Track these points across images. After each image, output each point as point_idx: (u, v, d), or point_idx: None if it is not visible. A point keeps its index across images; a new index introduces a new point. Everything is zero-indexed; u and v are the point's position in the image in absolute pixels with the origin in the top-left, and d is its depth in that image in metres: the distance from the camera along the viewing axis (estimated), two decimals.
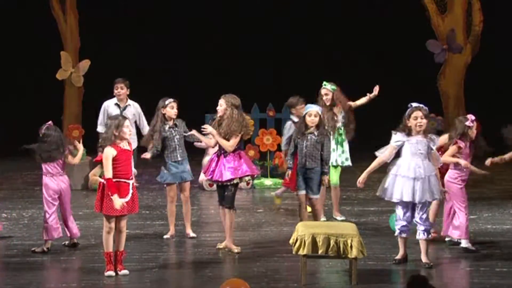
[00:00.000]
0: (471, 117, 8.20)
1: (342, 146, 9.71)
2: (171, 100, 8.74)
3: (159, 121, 8.72)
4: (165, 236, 8.87)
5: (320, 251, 7.06)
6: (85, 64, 13.46)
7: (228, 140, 8.09)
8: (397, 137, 7.69)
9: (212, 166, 8.22)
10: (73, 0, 13.72)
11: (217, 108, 8.18)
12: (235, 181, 8.12)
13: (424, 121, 7.62)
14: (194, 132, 8.52)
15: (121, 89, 10.42)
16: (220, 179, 8.12)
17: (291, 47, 15.15)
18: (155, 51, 15.30)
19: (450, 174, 8.25)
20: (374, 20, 14.98)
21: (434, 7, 12.82)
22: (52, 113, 13.15)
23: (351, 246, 7.04)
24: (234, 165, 8.09)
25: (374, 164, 7.78)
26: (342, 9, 15.08)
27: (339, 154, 9.69)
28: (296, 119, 9.40)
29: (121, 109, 10.36)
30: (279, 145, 12.54)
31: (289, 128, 9.60)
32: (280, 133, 12.60)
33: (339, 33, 15.13)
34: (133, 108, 10.46)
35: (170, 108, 8.73)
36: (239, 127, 8.07)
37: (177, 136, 8.78)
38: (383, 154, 7.71)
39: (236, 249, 8.21)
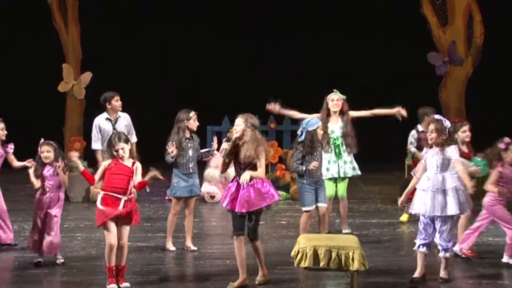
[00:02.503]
0: (506, 140, 8.11)
1: (341, 157, 9.50)
2: (194, 112, 8.79)
3: (181, 133, 8.72)
4: (170, 248, 8.85)
5: (321, 264, 7.02)
6: (87, 76, 13.47)
7: (249, 164, 7.33)
8: (423, 152, 7.67)
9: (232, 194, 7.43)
10: (75, 12, 13.74)
11: (233, 128, 7.60)
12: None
13: (434, 134, 7.50)
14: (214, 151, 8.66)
15: (120, 101, 10.43)
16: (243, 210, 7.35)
17: (292, 64, 15.16)
18: (156, 65, 15.31)
19: (489, 198, 8.22)
20: (375, 32, 15.00)
21: (435, 19, 12.83)
22: (54, 125, 13.23)
23: (352, 259, 7.01)
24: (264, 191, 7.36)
25: (411, 184, 7.71)
26: (342, 21, 15.08)
27: (341, 166, 9.50)
28: (421, 129, 9.62)
29: (112, 123, 10.35)
30: (280, 157, 12.56)
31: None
32: (281, 145, 12.63)
33: (338, 46, 15.14)
34: (124, 120, 10.46)
35: (193, 121, 8.78)
36: (264, 150, 7.37)
37: (192, 149, 8.79)
38: (418, 173, 7.66)
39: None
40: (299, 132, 8.53)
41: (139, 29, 15.30)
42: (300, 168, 8.36)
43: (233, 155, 7.39)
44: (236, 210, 7.29)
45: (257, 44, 15.27)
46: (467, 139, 8.76)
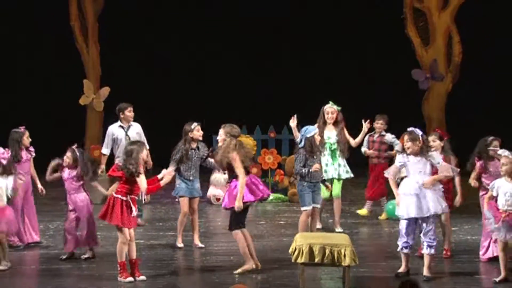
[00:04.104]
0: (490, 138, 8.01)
1: (336, 159, 9.56)
2: (196, 123, 8.77)
3: (187, 144, 8.72)
4: (179, 245, 8.82)
5: (316, 260, 7.00)
6: (105, 91, 13.50)
7: (228, 169, 7.61)
8: (399, 158, 7.61)
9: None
10: (95, 33, 13.76)
11: (217, 138, 7.85)
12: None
13: (409, 143, 7.45)
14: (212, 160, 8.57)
15: (132, 112, 10.43)
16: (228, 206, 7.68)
17: (291, 79, 15.16)
18: (166, 80, 15.32)
19: (480, 192, 8.08)
20: (365, 50, 15.00)
21: (418, 40, 12.85)
22: (75, 134, 13.21)
23: (344, 255, 6.99)
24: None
25: (392, 184, 7.62)
26: (335, 39, 15.08)
27: (336, 168, 9.54)
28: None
29: (125, 129, 10.34)
30: (279, 163, 12.53)
31: None
32: (280, 152, 12.62)
33: (330, 62, 15.14)
34: (136, 127, 10.46)
35: (197, 131, 8.76)
36: (242, 156, 7.53)
37: (195, 158, 8.77)
38: (389, 174, 7.60)
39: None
40: (298, 140, 8.55)
41: (150, 50, 15.32)
42: (304, 170, 8.33)
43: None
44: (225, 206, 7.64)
45: (258, 58, 15.26)
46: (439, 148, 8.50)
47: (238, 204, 7.55)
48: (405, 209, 7.45)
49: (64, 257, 8.27)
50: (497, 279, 7.34)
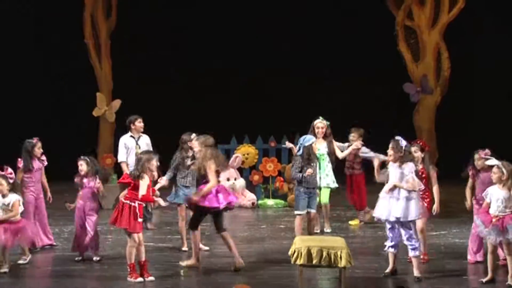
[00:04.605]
0: (482, 151, 7.92)
1: (324, 170, 9.66)
2: (195, 134, 8.76)
3: (184, 152, 8.76)
4: (183, 249, 8.86)
5: (314, 261, 7.02)
6: (117, 103, 13.54)
7: (204, 175, 7.76)
8: (389, 166, 7.62)
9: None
10: (107, 49, 13.84)
11: (194, 149, 8.04)
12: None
13: (391, 152, 7.46)
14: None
15: (142, 123, 10.49)
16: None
17: (291, 95, 15.22)
18: (173, 92, 15.37)
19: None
20: (362, 66, 15.04)
21: (409, 56, 12.89)
22: (89, 143, 13.28)
23: (340, 257, 7.01)
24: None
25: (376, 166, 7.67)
26: (330, 52, 15.14)
27: (324, 177, 9.61)
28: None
29: (136, 139, 10.40)
30: (279, 171, 12.57)
31: None
32: (280, 161, 12.65)
33: (328, 78, 15.20)
34: (146, 139, 10.52)
35: (195, 141, 8.80)
36: (214, 163, 7.69)
37: (192, 167, 8.79)
38: (366, 154, 7.65)
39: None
40: (297, 148, 8.63)
41: (158, 65, 15.40)
42: (298, 175, 8.42)
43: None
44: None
45: (258, 73, 15.32)
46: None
47: (196, 198, 7.72)
48: (382, 211, 7.50)
49: (79, 258, 8.32)
50: (484, 280, 7.38)
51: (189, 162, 8.70)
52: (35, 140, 8.78)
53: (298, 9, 15.14)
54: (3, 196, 7.80)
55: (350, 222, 10.59)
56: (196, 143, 7.90)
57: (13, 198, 7.79)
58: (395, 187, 7.46)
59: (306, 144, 8.44)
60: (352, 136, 10.22)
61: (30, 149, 8.69)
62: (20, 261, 8.08)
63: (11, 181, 7.87)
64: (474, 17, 13.48)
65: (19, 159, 8.66)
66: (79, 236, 8.35)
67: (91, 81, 13.82)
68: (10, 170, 7.99)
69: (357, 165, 10.36)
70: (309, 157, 8.42)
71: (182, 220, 8.85)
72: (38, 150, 8.82)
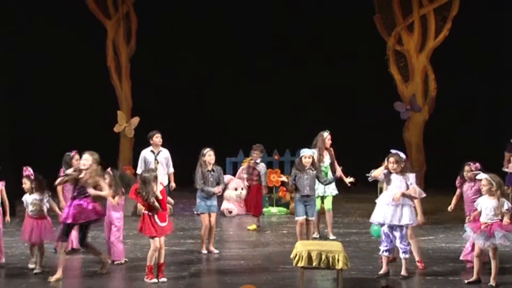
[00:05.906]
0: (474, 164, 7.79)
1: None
2: (208, 149, 8.75)
3: (203, 166, 8.70)
4: (202, 251, 8.74)
5: (314, 264, 6.97)
6: (136, 120, 13.53)
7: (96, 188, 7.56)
8: (384, 175, 7.56)
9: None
10: (127, 71, 13.84)
11: (81, 162, 7.68)
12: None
13: (395, 165, 7.46)
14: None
15: (161, 138, 10.44)
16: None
17: (294, 110, 15.16)
18: (186, 110, 15.32)
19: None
20: (356, 86, 15.00)
21: (399, 77, 12.86)
22: (110, 157, 13.21)
23: (338, 260, 6.95)
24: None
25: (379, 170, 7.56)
26: (333, 76, 15.09)
27: (328, 186, 9.53)
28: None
29: (155, 154, 10.32)
30: (282, 182, 12.47)
31: None
32: (283, 172, 12.57)
33: (328, 96, 15.14)
34: (165, 153, 10.45)
35: (208, 155, 8.71)
36: (101, 178, 7.64)
37: (211, 179, 8.73)
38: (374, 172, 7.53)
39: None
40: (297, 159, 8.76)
41: (172, 85, 15.37)
42: (291, 183, 8.63)
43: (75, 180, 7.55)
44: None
45: (260, 86, 15.26)
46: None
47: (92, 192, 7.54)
48: (381, 216, 7.48)
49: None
50: (467, 281, 7.27)
51: (210, 176, 8.67)
52: (73, 152, 8.79)
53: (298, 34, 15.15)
54: (30, 193, 7.91)
55: (248, 227, 10.56)
56: (90, 157, 7.66)
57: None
58: (404, 195, 7.43)
59: (300, 155, 8.61)
60: (255, 152, 10.55)
61: (69, 161, 8.70)
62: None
63: (32, 177, 7.92)
64: (457, 42, 13.43)
65: (61, 169, 8.66)
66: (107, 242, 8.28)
67: (112, 100, 13.81)
68: (30, 170, 8.01)
69: (256, 176, 10.68)
70: (298, 167, 8.53)
71: (206, 227, 8.77)
72: (76, 161, 8.79)
